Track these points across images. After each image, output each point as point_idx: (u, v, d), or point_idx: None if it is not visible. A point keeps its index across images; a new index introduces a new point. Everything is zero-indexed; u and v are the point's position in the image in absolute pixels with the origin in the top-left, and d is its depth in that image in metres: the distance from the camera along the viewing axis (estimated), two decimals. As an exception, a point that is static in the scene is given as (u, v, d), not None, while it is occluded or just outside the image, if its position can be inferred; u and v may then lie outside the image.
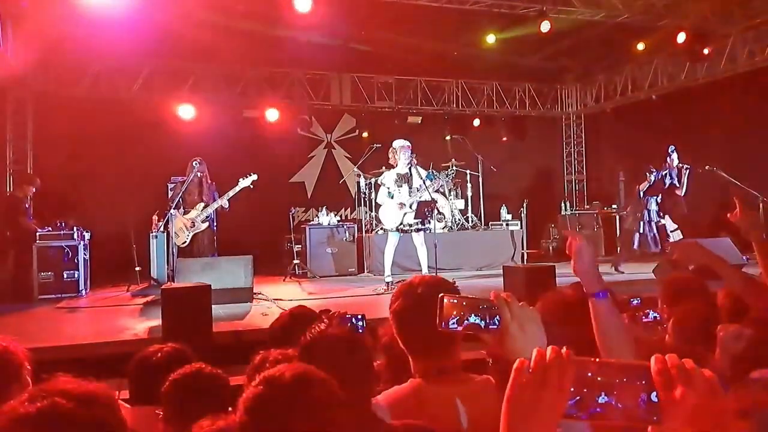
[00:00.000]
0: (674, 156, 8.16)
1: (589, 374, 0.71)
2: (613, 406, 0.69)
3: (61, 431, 1.07)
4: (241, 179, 7.29)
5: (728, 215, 2.41)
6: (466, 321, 1.06)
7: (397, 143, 7.29)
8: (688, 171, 8.02)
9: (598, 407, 0.69)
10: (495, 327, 1.07)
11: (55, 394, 1.10)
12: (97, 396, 1.15)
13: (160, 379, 1.88)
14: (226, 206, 7.29)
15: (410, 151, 7.18)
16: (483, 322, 1.07)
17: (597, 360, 0.73)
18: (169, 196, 8.05)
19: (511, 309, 1.08)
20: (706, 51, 8.69)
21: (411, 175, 7.20)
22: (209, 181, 7.40)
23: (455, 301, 1.06)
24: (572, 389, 0.71)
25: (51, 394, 1.10)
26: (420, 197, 7.17)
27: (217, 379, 1.87)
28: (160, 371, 1.97)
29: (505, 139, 12.15)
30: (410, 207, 7.17)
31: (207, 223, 7.26)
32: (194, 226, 7.19)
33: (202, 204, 7.23)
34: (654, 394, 0.69)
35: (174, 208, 7.08)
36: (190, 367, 1.88)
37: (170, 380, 1.81)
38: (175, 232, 7.11)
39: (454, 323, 1.05)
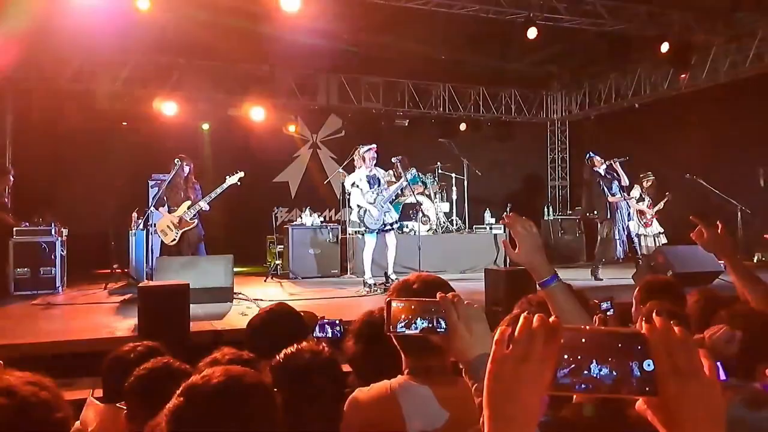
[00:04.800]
0: (596, 160, 8.09)
1: (582, 341, 0.66)
2: (607, 376, 0.64)
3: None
4: (228, 177, 7.08)
5: (691, 234, 2.37)
6: (414, 325, 1.05)
7: (363, 148, 7.47)
8: (618, 162, 8.01)
9: (590, 377, 0.65)
10: (443, 329, 1.06)
11: None
12: (37, 397, 1.13)
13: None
14: (206, 208, 7.04)
15: (374, 153, 7.41)
16: (432, 324, 1.06)
17: (588, 327, 0.68)
18: (152, 194, 7.90)
19: (457, 310, 1.07)
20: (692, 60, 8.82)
21: (378, 177, 7.45)
22: (194, 179, 7.22)
23: (404, 305, 1.04)
24: (565, 356, 0.66)
25: None
26: (390, 197, 7.40)
27: (182, 374, 1.82)
28: (133, 370, 1.93)
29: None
30: (381, 205, 7.34)
31: (196, 221, 7.05)
32: (182, 223, 6.97)
33: (189, 201, 7.00)
34: (647, 362, 0.64)
35: (159, 207, 6.90)
36: (153, 362, 1.83)
37: (134, 376, 1.76)
38: (162, 231, 6.95)
39: (403, 327, 1.04)
